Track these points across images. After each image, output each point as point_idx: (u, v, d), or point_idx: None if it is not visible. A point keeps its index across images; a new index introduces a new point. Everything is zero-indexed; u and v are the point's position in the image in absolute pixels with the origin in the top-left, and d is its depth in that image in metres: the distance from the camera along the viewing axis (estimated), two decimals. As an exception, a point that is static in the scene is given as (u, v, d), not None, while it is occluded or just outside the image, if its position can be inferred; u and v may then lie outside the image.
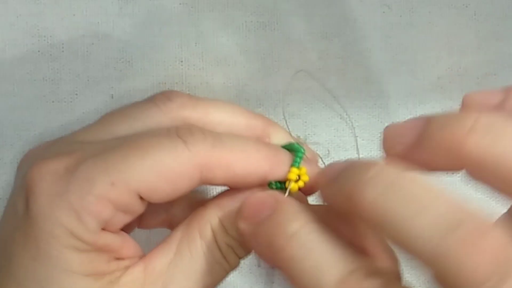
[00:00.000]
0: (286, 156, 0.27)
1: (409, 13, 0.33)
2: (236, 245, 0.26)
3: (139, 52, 0.32)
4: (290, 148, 0.28)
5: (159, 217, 0.30)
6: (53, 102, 0.32)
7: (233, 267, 0.27)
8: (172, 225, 0.30)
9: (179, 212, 0.30)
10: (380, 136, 0.25)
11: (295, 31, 0.32)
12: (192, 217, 0.27)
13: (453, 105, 0.34)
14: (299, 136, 0.30)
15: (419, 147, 0.23)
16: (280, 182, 0.27)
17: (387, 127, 0.25)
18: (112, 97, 0.32)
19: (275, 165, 0.27)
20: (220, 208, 0.27)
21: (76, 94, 0.32)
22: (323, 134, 0.33)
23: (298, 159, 0.27)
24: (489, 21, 0.33)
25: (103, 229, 0.25)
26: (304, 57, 0.33)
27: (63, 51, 0.31)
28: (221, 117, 0.28)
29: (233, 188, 0.27)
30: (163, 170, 0.25)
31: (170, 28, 0.32)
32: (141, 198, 0.25)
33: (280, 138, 0.29)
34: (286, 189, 0.27)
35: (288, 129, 0.31)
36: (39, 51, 0.31)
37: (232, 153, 0.26)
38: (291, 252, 0.23)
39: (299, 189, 0.27)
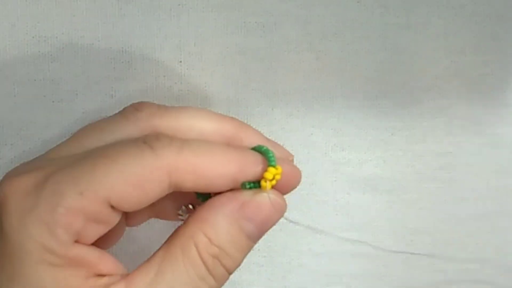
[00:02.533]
0: (255, 157, 0.27)
1: (406, 13, 0.33)
2: (223, 254, 0.26)
3: (139, 52, 0.32)
4: (259, 150, 0.27)
5: (144, 214, 0.30)
6: (53, 102, 0.32)
7: (220, 283, 0.26)
8: (159, 216, 0.30)
9: (163, 204, 0.29)
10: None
11: (294, 31, 0.33)
12: (174, 235, 0.26)
13: (450, 105, 0.34)
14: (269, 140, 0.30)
15: None
16: (253, 182, 0.27)
17: None
18: (112, 97, 0.32)
19: (244, 166, 0.27)
20: (202, 221, 0.26)
21: (76, 94, 0.32)
22: (321, 134, 0.33)
23: (273, 158, 0.27)
24: (486, 22, 0.33)
25: (77, 241, 0.25)
26: (302, 58, 0.33)
27: (63, 51, 0.31)
28: (190, 123, 0.28)
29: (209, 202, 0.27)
30: (131, 176, 0.25)
31: (170, 29, 0.32)
32: (112, 207, 0.25)
33: (252, 141, 0.29)
34: (258, 186, 0.27)
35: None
36: (39, 51, 0.31)
37: (199, 156, 0.26)
38: None
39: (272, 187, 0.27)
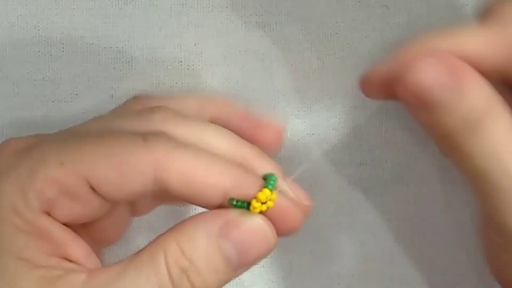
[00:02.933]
0: (256, 179, 0.25)
1: (407, 13, 0.33)
2: (193, 269, 0.24)
3: (139, 52, 0.32)
4: (265, 177, 0.26)
5: (149, 201, 0.29)
6: (53, 102, 0.32)
7: None
8: (166, 202, 0.30)
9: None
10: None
11: (294, 31, 0.33)
12: (151, 242, 0.25)
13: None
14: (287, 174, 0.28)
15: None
16: (242, 202, 0.25)
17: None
18: (112, 97, 0.32)
19: (239, 183, 0.25)
20: (179, 231, 0.25)
21: (76, 94, 0.32)
22: (322, 134, 0.33)
23: (272, 182, 0.25)
24: (487, 22, 0.33)
25: (48, 214, 0.24)
26: (303, 57, 0.33)
27: (63, 51, 0.32)
28: (204, 137, 0.27)
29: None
30: (114, 160, 0.24)
31: (170, 29, 0.32)
32: (93, 189, 0.24)
33: (264, 171, 0.27)
34: (247, 207, 0.25)
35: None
36: (39, 51, 0.31)
37: (192, 160, 0.25)
38: None
39: (262, 213, 0.25)
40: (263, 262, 0.33)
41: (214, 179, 0.25)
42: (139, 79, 0.32)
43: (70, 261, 0.25)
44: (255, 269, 0.33)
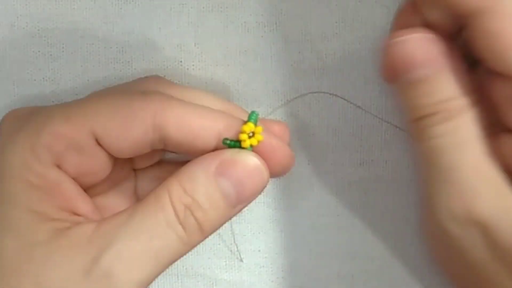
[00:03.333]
0: (241, 120, 0.28)
1: (407, 13, 0.33)
2: (196, 205, 0.26)
3: (139, 52, 0.32)
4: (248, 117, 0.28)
5: (149, 156, 0.30)
6: (53, 102, 0.32)
7: (191, 236, 0.26)
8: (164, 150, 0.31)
9: None
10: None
11: (294, 31, 0.33)
12: (160, 182, 0.27)
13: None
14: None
15: None
16: (235, 141, 0.27)
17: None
18: (112, 97, 0.32)
19: (229, 124, 0.27)
20: (180, 173, 0.26)
21: (76, 94, 0.32)
22: (321, 134, 0.33)
23: (253, 116, 0.27)
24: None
25: (58, 166, 0.26)
26: (303, 57, 0.33)
27: (63, 51, 0.32)
28: (199, 98, 0.29)
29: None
30: (117, 111, 0.26)
31: (170, 29, 0.32)
32: (97, 142, 0.26)
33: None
34: (240, 146, 0.27)
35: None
36: (39, 51, 0.31)
37: (188, 107, 0.27)
38: None
39: (254, 149, 0.27)
40: (263, 262, 0.33)
41: (208, 122, 0.27)
42: (139, 79, 0.32)
43: (79, 215, 0.26)
44: (255, 269, 0.34)
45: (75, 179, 0.26)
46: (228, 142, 0.27)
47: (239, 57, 0.33)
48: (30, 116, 0.27)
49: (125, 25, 0.32)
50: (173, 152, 0.30)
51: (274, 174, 0.28)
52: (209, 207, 0.26)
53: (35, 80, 0.31)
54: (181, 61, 0.32)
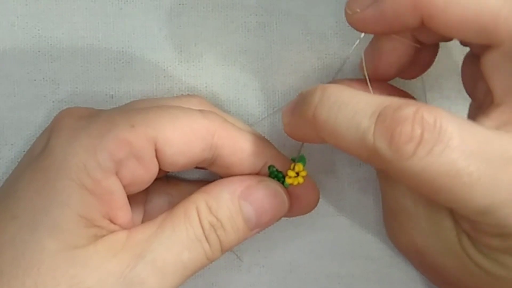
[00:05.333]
0: (286, 157, 0.29)
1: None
2: (219, 225, 0.27)
3: (139, 52, 0.32)
4: (295, 159, 0.30)
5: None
6: (53, 102, 0.32)
7: (214, 252, 0.27)
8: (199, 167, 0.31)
9: None
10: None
11: (294, 31, 0.33)
12: (179, 203, 0.28)
13: (451, 105, 0.34)
14: None
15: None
16: (278, 171, 0.29)
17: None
18: (112, 97, 0.32)
19: (276, 156, 0.29)
20: (207, 192, 0.28)
21: (76, 94, 0.32)
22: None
23: (304, 160, 0.29)
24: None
25: (116, 173, 0.26)
26: (303, 57, 0.33)
27: (63, 51, 0.32)
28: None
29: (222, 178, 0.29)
30: (180, 124, 0.27)
31: (170, 29, 0.32)
32: (156, 152, 0.26)
33: None
34: (283, 178, 0.29)
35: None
36: (39, 51, 0.31)
37: (242, 132, 0.28)
38: (323, 116, 0.25)
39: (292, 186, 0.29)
40: (263, 262, 0.33)
41: (260, 149, 0.28)
42: (139, 79, 0.32)
43: (115, 224, 0.27)
44: (255, 269, 0.33)
45: (125, 187, 0.27)
46: (273, 170, 0.29)
47: (238, 57, 0.33)
48: (92, 118, 0.27)
49: (125, 25, 0.32)
50: (212, 171, 0.30)
51: (298, 213, 0.30)
52: (231, 228, 0.27)
53: (35, 80, 0.31)
54: (180, 62, 0.32)
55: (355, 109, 0.24)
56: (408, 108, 0.23)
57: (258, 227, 0.28)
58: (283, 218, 0.31)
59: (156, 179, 0.31)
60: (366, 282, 0.34)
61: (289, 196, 0.29)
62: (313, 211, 0.33)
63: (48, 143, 0.26)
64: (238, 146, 0.28)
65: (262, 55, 0.33)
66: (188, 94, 0.31)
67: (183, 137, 0.26)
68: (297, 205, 0.30)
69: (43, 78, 0.32)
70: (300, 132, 0.27)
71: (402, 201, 0.28)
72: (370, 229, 0.34)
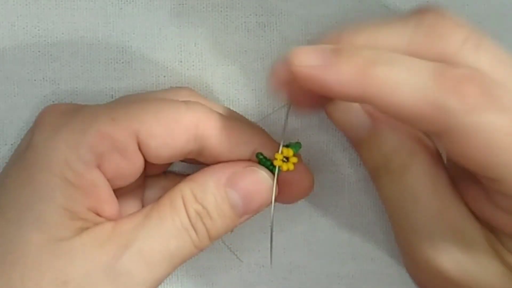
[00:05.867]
0: (276, 143, 0.28)
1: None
2: (205, 213, 0.27)
3: (139, 52, 0.32)
4: (289, 145, 0.29)
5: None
6: (53, 102, 0.32)
7: (202, 240, 0.27)
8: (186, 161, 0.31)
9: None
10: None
11: (294, 31, 0.33)
12: (165, 194, 0.28)
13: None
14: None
15: (326, 72, 0.23)
16: (267, 158, 0.28)
17: (295, 49, 0.25)
18: (112, 97, 0.32)
19: (265, 142, 0.28)
20: (193, 180, 0.27)
21: (76, 94, 0.32)
22: (321, 133, 0.33)
23: (297, 146, 0.28)
24: (486, 22, 0.33)
25: (98, 167, 0.26)
26: (303, 58, 0.33)
27: (63, 51, 0.32)
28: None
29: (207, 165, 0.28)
30: (163, 116, 0.26)
31: (170, 29, 0.32)
32: (139, 146, 0.26)
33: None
34: (272, 165, 0.28)
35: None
36: (39, 51, 0.31)
37: (229, 121, 0.27)
38: (379, 70, 0.23)
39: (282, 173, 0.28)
40: (263, 262, 0.33)
41: (247, 137, 0.28)
42: (139, 79, 0.32)
43: (101, 216, 0.27)
44: (255, 269, 0.33)
45: (109, 180, 0.27)
46: (261, 157, 0.28)
47: (239, 57, 0.33)
48: (75, 113, 0.27)
49: (125, 25, 0.32)
50: (198, 163, 0.30)
51: (291, 200, 0.30)
52: (217, 215, 0.27)
53: (35, 80, 0.31)
54: (180, 62, 0.32)
55: (412, 66, 0.23)
56: (470, 68, 0.23)
57: (246, 213, 0.28)
58: (283, 218, 0.31)
59: (154, 176, 0.31)
60: (366, 282, 0.34)
61: (281, 182, 0.28)
62: (313, 211, 0.33)
63: (31, 140, 0.27)
64: (224, 136, 0.27)
65: (261, 56, 0.33)
66: (178, 87, 0.31)
67: (166, 129, 0.26)
68: (289, 191, 0.29)
69: (43, 78, 0.32)
70: (324, 78, 0.24)
71: (412, 193, 0.27)
72: (370, 229, 0.34)
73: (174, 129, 0.26)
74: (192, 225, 0.27)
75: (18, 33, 0.31)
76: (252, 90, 0.33)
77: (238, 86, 0.33)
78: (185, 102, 0.27)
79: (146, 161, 0.28)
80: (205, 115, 0.27)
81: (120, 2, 0.32)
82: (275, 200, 0.28)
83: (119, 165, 0.26)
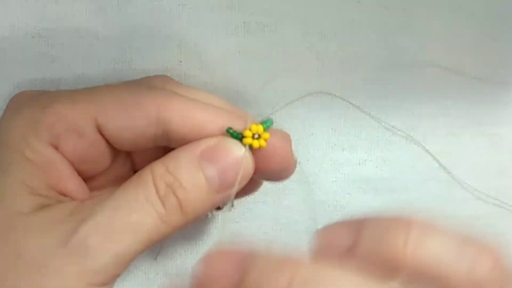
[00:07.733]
0: (248, 117, 0.27)
1: (406, 14, 0.33)
2: (177, 184, 0.26)
3: (139, 52, 0.32)
4: (262, 121, 0.28)
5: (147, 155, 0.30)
6: (53, 102, 0.32)
7: (171, 215, 0.26)
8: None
9: None
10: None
11: (294, 32, 0.33)
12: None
13: (450, 105, 0.34)
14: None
15: (352, 257, 0.22)
16: (238, 133, 0.27)
17: (319, 231, 0.23)
18: (112, 97, 0.32)
19: (234, 119, 0.27)
20: (165, 156, 0.27)
21: (76, 94, 0.32)
22: (321, 134, 0.33)
23: (268, 122, 0.27)
24: (486, 22, 0.33)
25: (56, 147, 0.26)
26: (302, 58, 0.33)
27: (63, 51, 0.31)
28: (203, 97, 0.28)
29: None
30: (122, 100, 0.26)
31: (170, 29, 0.32)
32: (99, 131, 0.26)
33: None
34: (241, 140, 0.26)
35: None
36: (39, 51, 0.31)
37: (192, 102, 0.27)
38: (420, 251, 0.21)
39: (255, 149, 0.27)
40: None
41: (213, 116, 0.27)
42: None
43: (66, 195, 0.27)
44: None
45: (73, 164, 0.27)
46: (231, 131, 0.27)
47: (238, 57, 0.33)
48: (38, 96, 0.28)
49: (125, 25, 0.32)
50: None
51: (275, 176, 0.29)
52: (191, 188, 0.26)
53: (35, 80, 0.31)
54: (180, 62, 0.32)
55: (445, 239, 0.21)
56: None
57: (223, 189, 0.26)
58: (283, 218, 0.31)
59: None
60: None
61: (260, 158, 0.27)
62: (313, 211, 0.33)
63: None
64: (188, 117, 0.26)
65: (261, 56, 0.33)
66: (155, 75, 0.30)
67: (123, 112, 0.26)
68: (267, 166, 0.27)
69: (43, 78, 0.32)
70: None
71: None
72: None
73: (132, 112, 0.26)
74: (160, 198, 0.26)
75: (18, 33, 0.31)
76: (252, 90, 0.33)
77: (238, 86, 0.33)
78: (148, 87, 0.27)
79: (121, 151, 0.28)
80: (166, 98, 0.27)
81: (120, 2, 0.32)
82: (261, 177, 0.28)
83: (78, 147, 0.27)
